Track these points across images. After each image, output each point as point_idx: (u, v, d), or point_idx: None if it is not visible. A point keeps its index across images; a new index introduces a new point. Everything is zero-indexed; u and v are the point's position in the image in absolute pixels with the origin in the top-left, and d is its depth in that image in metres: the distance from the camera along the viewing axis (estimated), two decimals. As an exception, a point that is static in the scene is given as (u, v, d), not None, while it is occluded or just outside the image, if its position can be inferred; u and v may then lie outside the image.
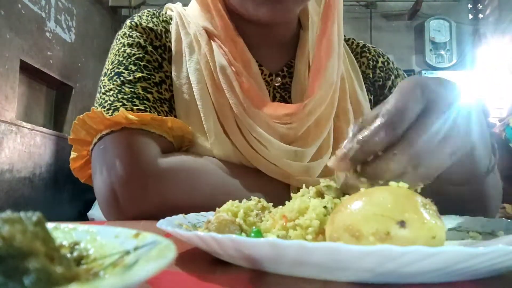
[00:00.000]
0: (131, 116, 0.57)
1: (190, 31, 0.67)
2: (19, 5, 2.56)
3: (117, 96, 0.60)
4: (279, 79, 0.70)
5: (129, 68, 0.62)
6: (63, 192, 3.14)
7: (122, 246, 0.22)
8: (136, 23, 0.67)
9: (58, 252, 0.18)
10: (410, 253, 0.23)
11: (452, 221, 0.43)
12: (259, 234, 0.33)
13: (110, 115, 0.57)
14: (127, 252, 0.21)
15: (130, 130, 0.58)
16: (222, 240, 0.26)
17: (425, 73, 4.18)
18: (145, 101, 0.60)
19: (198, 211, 0.43)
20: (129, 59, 0.63)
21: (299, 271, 0.27)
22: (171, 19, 0.71)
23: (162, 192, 0.56)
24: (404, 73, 0.83)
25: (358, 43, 0.82)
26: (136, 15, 0.71)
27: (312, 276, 0.26)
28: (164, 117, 0.59)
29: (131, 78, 0.61)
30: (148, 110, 0.60)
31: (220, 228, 0.34)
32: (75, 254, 0.22)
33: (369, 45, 0.82)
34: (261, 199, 0.39)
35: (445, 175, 0.36)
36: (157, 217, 0.40)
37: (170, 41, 0.68)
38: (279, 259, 0.25)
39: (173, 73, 0.66)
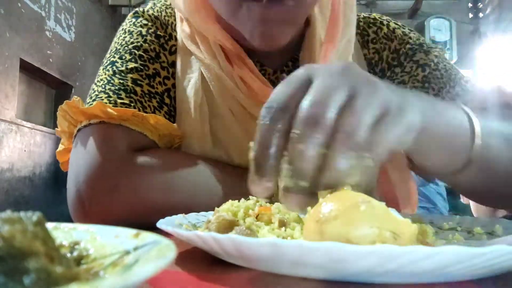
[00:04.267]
0: (110, 110, 0.53)
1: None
2: (19, 4, 2.55)
3: (105, 87, 0.57)
4: (285, 74, 0.65)
5: (124, 57, 0.59)
6: (63, 192, 3.13)
7: (122, 246, 0.22)
8: (143, 11, 0.65)
9: (58, 252, 0.18)
10: (410, 253, 0.23)
11: (452, 221, 0.43)
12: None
13: (89, 106, 0.54)
14: (127, 252, 0.21)
15: (108, 124, 0.53)
16: (222, 240, 0.26)
17: (425, 72, 4.17)
18: (132, 95, 0.56)
19: (175, 213, 0.40)
20: (126, 48, 0.60)
21: (299, 271, 0.26)
22: None
23: (134, 190, 0.51)
24: (420, 37, 0.71)
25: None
26: (151, 2, 0.68)
27: (312, 276, 0.26)
28: (146, 114, 0.54)
29: (123, 68, 0.58)
30: (132, 104, 0.56)
31: (220, 228, 0.34)
32: (75, 254, 0.22)
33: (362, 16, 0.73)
34: (260, 199, 0.39)
35: (421, 164, 0.34)
36: (128, 221, 0.39)
37: (176, 31, 0.65)
38: (279, 259, 0.25)
39: (178, 62, 0.63)
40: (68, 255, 0.22)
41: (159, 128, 0.56)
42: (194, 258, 0.33)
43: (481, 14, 4.18)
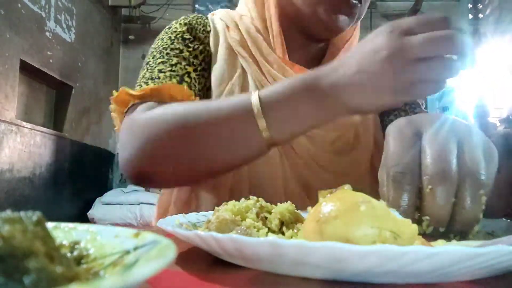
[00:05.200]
0: (132, 91, 0.60)
1: (240, 26, 0.71)
2: (19, 5, 2.56)
3: (139, 80, 0.64)
4: None
5: (155, 56, 0.68)
6: (63, 192, 3.14)
7: (122, 246, 0.22)
8: (180, 21, 0.73)
9: (58, 251, 0.18)
10: (410, 253, 0.23)
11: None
12: None
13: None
14: (127, 252, 0.21)
15: (135, 105, 0.60)
16: (222, 239, 0.26)
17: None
18: (155, 79, 0.62)
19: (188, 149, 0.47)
20: (157, 50, 0.69)
21: (299, 271, 0.27)
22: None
23: (147, 140, 0.53)
24: None
25: None
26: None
27: (312, 276, 0.26)
28: (161, 86, 0.60)
29: (152, 64, 0.66)
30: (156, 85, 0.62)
31: (220, 228, 0.34)
32: (75, 253, 0.22)
33: None
34: (260, 199, 0.39)
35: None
36: (156, 174, 0.52)
37: (208, 33, 0.72)
38: (279, 259, 0.25)
39: (211, 42, 0.70)
40: (68, 255, 0.22)
41: (174, 95, 0.61)
42: (194, 258, 0.33)
43: (481, 15, 4.18)
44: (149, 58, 0.68)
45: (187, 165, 0.53)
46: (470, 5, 4.29)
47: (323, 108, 0.47)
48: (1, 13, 2.37)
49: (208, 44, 0.71)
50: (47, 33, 2.88)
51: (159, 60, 0.66)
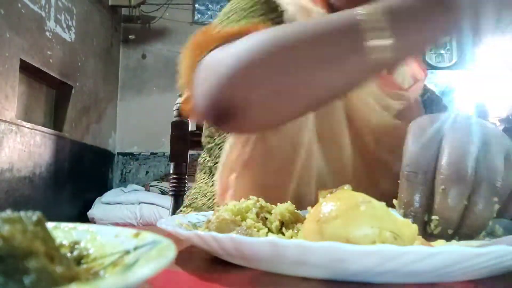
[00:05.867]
0: (216, 31, 0.53)
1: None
2: (19, 5, 2.56)
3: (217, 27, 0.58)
4: None
5: (231, 17, 0.61)
6: (63, 192, 3.14)
7: (122, 246, 0.22)
8: None
9: (58, 251, 0.18)
10: (410, 253, 0.23)
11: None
12: None
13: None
14: (127, 252, 0.21)
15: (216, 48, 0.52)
16: (222, 239, 0.26)
17: (425, 73, 4.18)
18: (239, 22, 0.57)
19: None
20: (238, 10, 0.61)
21: (299, 271, 0.27)
22: None
23: (238, 63, 0.45)
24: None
25: None
26: None
27: (312, 276, 0.26)
28: (249, 25, 0.53)
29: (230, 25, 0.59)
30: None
31: (220, 228, 0.34)
32: (75, 253, 0.22)
33: None
34: (260, 199, 0.39)
35: None
36: (250, 103, 0.44)
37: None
38: (279, 259, 0.25)
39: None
40: (68, 254, 0.22)
41: None
42: (194, 258, 0.33)
43: (481, 15, 4.17)
44: (221, 20, 0.60)
45: (284, 92, 0.45)
46: (470, 5, 4.28)
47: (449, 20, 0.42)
48: (1, 13, 2.37)
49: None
50: (47, 33, 2.88)
51: (239, 17, 0.58)
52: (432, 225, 0.34)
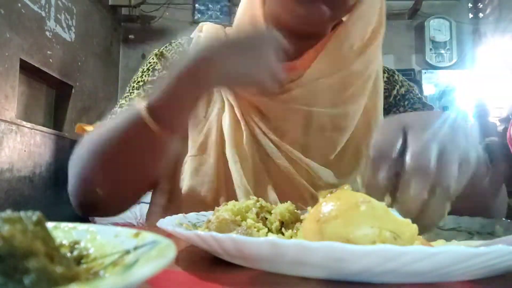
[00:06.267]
0: (86, 127, 0.64)
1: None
2: (19, 4, 2.55)
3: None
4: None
5: (129, 91, 0.71)
6: (63, 192, 3.13)
7: (122, 246, 0.22)
8: (155, 51, 0.74)
9: (58, 251, 0.18)
10: (410, 253, 0.23)
11: (452, 221, 0.43)
12: None
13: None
14: (127, 252, 0.21)
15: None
16: (222, 239, 0.26)
17: (425, 72, 4.18)
18: (112, 115, 0.66)
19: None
20: (130, 83, 0.72)
21: (299, 271, 0.26)
22: None
23: (80, 169, 0.60)
24: (410, 84, 0.80)
25: None
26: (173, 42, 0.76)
27: (312, 276, 0.26)
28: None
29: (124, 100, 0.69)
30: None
31: (220, 228, 0.34)
32: (75, 253, 0.22)
33: None
34: (260, 199, 0.39)
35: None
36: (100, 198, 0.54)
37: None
38: (279, 259, 0.25)
39: None
40: (68, 254, 0.22)
41: None
42: (194, 258, 0.33)
43: (481, 14, 4.18)
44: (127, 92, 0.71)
45: (121, 180, 0.57)
46: (470, 5, 4.28)
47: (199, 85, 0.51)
48: (1, 12, 2.37)
49: None
50: (47, 33, 2.88)
51: (124, 95, 0.70)
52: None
